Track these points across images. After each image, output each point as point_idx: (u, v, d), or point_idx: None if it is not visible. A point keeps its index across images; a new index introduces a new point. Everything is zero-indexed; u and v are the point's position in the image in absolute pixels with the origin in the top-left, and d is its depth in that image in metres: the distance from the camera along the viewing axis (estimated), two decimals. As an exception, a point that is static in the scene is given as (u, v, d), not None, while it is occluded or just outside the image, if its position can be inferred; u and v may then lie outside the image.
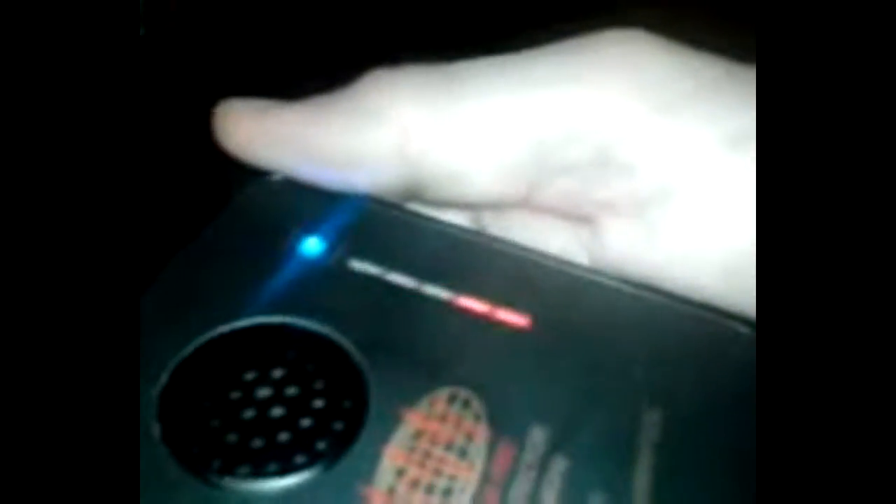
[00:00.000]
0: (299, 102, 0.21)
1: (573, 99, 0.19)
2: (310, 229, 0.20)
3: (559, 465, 0.17)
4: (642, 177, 0.19)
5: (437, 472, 0.17)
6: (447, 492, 0.16)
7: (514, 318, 0.19)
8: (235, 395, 0.17)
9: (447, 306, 0.19)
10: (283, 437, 0.17)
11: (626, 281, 0.20)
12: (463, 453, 0.17)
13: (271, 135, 0.21)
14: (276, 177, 0.21)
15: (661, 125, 0.19)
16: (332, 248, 0.20)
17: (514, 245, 0.21)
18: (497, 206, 0.22)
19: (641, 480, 0.17)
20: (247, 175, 0.21)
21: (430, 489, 0.16)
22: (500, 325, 0.19)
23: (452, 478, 0.17)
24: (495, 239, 0.21)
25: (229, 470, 0.16)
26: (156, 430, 0.17)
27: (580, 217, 0.21)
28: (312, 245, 0.20)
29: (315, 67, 0.21)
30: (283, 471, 0.16)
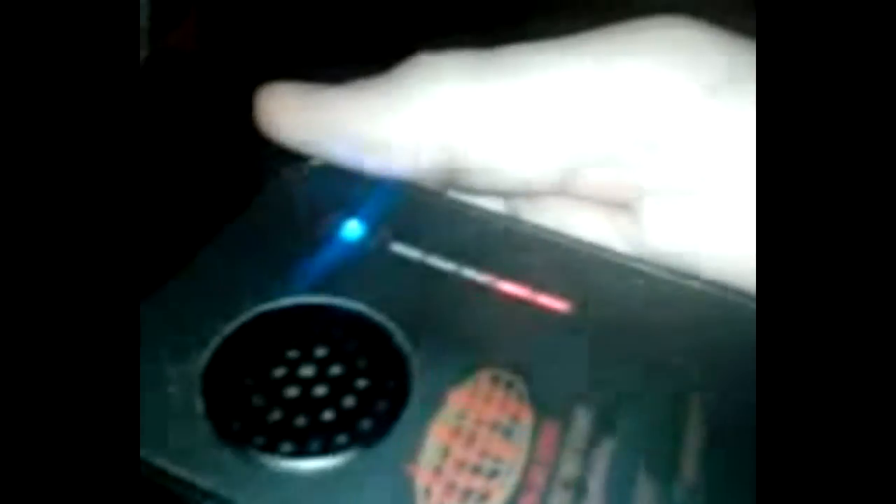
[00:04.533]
0: (341, 86, 0.21)
1: (621, 80, 0.19)
2: (350, 213, 0.20)
3: (605, 447, 0.17)
4: (687, 160, 0.19)
5: (483, 453, 0.16)
6: (494, 471, 0.16)
7: (555, 303, 0.19)
8: (279, 372, 0.17)
9: (488, 290, 0.19)
10: (327, 415, 0.17)
11: (665, 268, 0.20)
12: (508, 434, 0.17)
13: (313, 118, 0.21)
14: (315, 161, 0.21)
15: (709, 107, 0.19)
16: (372, 232, 0.20)
17: (552, 231, 0.21)
18: (534, 192, 0.21)
19: (688, 464, 0.17)
20: (283, 161, 0.21)
21: (476, 470, 0.16)
22: (541, 309, 0.19)
23: (498, 458, 0.16)
24: (533, 225, 0.21)
25: (272, 447, 0.16)
26: (199, 405, 0.16)
27: (619, 203, 0.21)
28: (353, 228, 0.20)
29: (354, 55, 0.21)
30: (326, 449, 0.16)
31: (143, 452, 0.16)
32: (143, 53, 0.21)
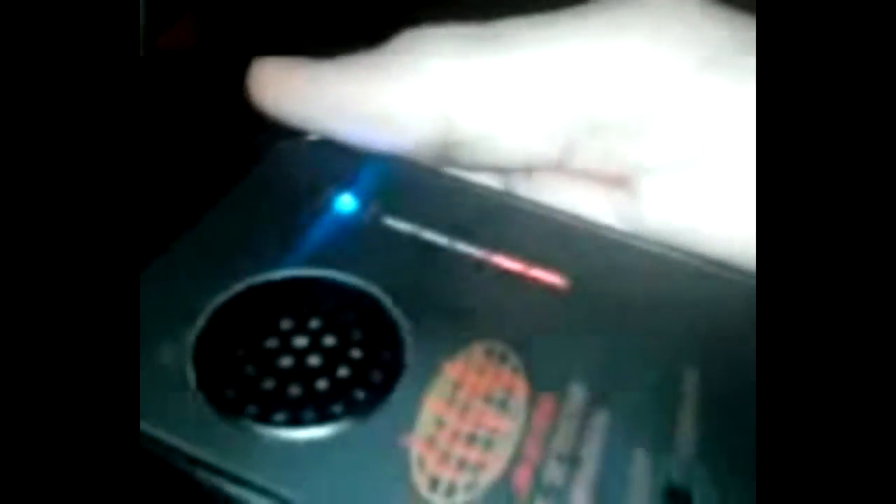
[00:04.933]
0: (334, 60, 0.21)
1: (619, 52, 0.19)
2: (343, 187, 0.20)
3: (600, 420, 0.17)
4: (686, 135, 0.19)
5: (478, 424, 0.16)
6: (489, 443, 0.16)
7: (549, 278, 0.19)
8: (272, 343, 0.17)
9: (482, 264, 0.19)
10: (321, 385, 0.17)
11: (663, 244, 0.20)
12: (503, 406, 0.17)
13: (306, 92, 0.21)
14: (308, 137, 0.21)
15: (708, 82, 0.19)
16: (365, 206, 0.20)
17: (547, 207, 0.21)
18: (530, 167, 0.21)
19: (683, 438, 0.17)
20: (277, 136, 0.21)
21: (471, 439, 0.16)
22: (535, 283, 0.19)
23: (493, 429, 0.16)
24: (528, 200, 0.21)
25: (265, 417, 0.16)
26: (192, 376, 0.16)
27: (616, 179, 0.21)
28: (346, 202, 0.20)
29: (348, 30, 0.21)
30: (320, 419, 0.16)
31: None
32: (140, 52, 0.21)
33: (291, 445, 0.16)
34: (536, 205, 0.21)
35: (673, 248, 0.20)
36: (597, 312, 0.19)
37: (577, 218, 0.20)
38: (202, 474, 0.15)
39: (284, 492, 0.15)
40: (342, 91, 0.20)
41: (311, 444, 0.16)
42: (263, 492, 0.15)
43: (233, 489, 0.15)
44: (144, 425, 0.15)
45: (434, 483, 0.15)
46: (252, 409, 0.16)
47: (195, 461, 0.15)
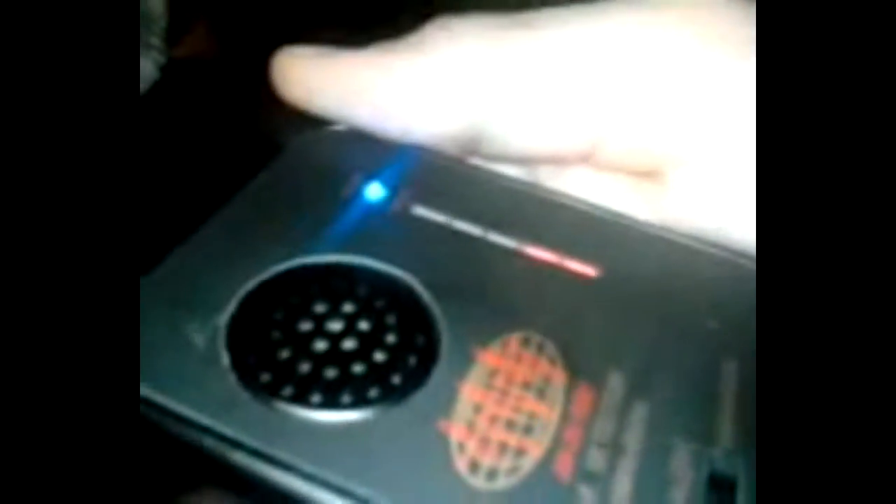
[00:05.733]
0: (361, 50, 0.21)
1: (650, 44, 0.19)
2: (371, 176, 0.20)
3: (640, 410, 0.16)
4: (715, 128, 0.19)
5: (517, 410, 0.16)
6: (528, 429, 0.16)
7: (582, 269, 0.19)
8: (306, 326, 0.17)
9: (514, 254, 0.19)
10: (357, 369, 0.16)
11: (692, 236, 0.20)
12: (541, 393, 0.16)
13: (333, 81, 0.20)
14: (334, 126, 0.21)
15: (739, 76, 0.19)
16: (394, 195, 0.20)
17: (577, 199, 0.20)
18: (558, 160, 0.21)
19: (724, 428, 0.16)
20: (301, 127, 0.21)
21: (510, 425, 0.16)
22: (568, 274, 0.19)
23: (532, 416, 0.16)
24: (558, 192, 0.21)
25: (301, 398, 0.15)
26: (225, 357, 0.16)
27: (645, 172, 0.21)
28: (375, 191, 0.20)
29: (370, 30, 0.21)
30: (356, 403, 0.16)
31: (170, 403, 0.15)
32: (161, 60, 0.21)
33: (328, 427, 0.15)
34: (566, 196, 0.20)
35: (704, 241, 0.20)
36: (631, 303, 0.18)
37: (607, 210, 0.20)
38: (237, 456, 0.15)
39: (324, 474, 0.14)
40: (369, 80, 0.20)
41: (348, 427, 0.15)
42: (302, 474, 0.14)
43: (269, 471, 0.15)
44: (177, 406, 0.15)
45: (475, 467, 0.15)
46: (287, 390, 0.16)
47: (230, 442, 0.15)
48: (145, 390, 0.15)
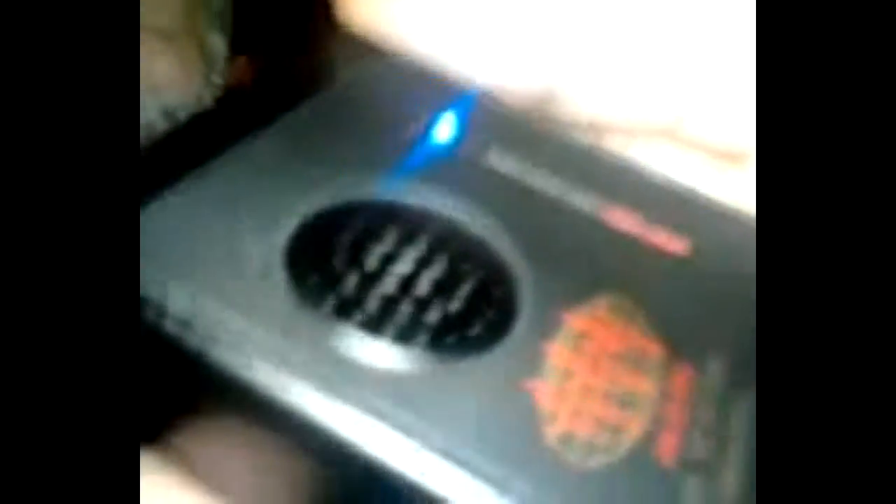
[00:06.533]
0: None
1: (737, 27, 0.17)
2: (439, 115, 0.18)
3: (744, 402, 0.14)
4: None
5: (612, 381, 0.14)
6: (626, 404, 0.13)
7: (670, 242, 0.17)
8: (374, 262, 0.14)
9: (597, 218, 0.17)
10: (431, 313, 0.14)
11: None
12: (637, 366, 0.14)
13: (404, 10, 0.18)
14: (397, 58, 0.19)
15: None
16: (464, 139, 0.17)
17: (660, 171, 0.18)
18: (635, 130, 0.19)
19: None
20: (362, 53, 0.19)
21: (607, 397, 0.13)
22: (656, 246, 0.17)
23: (630, 390, 0.14)
24: (637, 161, 0.19)
25: (374, 328, 0.13)
26: (281, 275, 0.13)
27: (726, 154, 0.19)
28: (444, 132, 0.17)
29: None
30: (433, 346, 0.13)
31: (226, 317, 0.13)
32: (218, 94, 0.20)
33: (401, 372, 0.13)
34: (649, 166, 0.18)
35: None
36: (725, 286, 0.16)
37: (692, 187, 0.18)
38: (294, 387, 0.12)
39: (397, 416, 0.12)
40: (446, 13, 0.18)
41: (424, 372, 0.13)
42: (374, 411, 0.12)
43: (328, 407, 0.12)
44: (233, 322, 0.13)
45: (568, 439, 0.13)
46: (359, 317, 0.13)
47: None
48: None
